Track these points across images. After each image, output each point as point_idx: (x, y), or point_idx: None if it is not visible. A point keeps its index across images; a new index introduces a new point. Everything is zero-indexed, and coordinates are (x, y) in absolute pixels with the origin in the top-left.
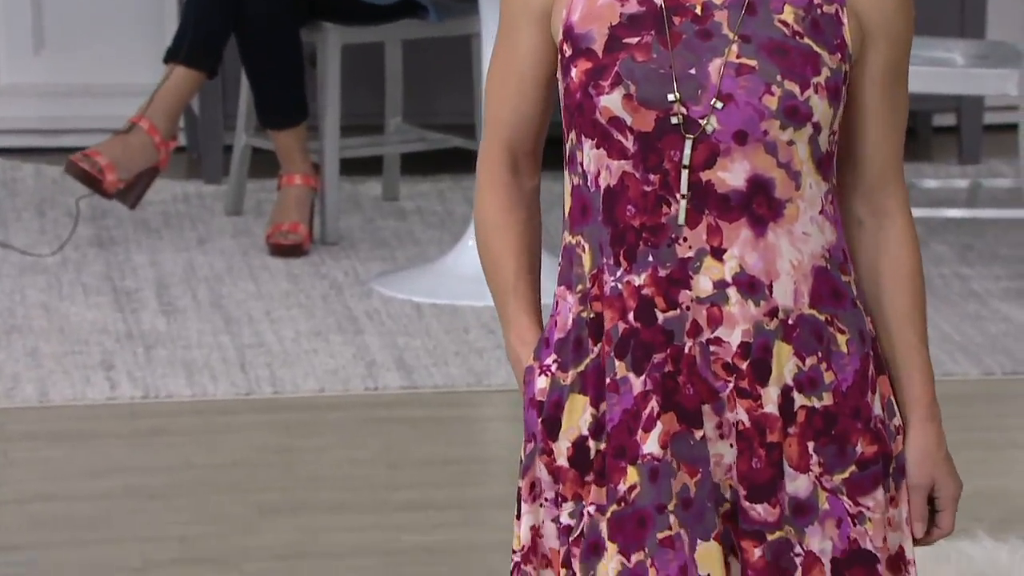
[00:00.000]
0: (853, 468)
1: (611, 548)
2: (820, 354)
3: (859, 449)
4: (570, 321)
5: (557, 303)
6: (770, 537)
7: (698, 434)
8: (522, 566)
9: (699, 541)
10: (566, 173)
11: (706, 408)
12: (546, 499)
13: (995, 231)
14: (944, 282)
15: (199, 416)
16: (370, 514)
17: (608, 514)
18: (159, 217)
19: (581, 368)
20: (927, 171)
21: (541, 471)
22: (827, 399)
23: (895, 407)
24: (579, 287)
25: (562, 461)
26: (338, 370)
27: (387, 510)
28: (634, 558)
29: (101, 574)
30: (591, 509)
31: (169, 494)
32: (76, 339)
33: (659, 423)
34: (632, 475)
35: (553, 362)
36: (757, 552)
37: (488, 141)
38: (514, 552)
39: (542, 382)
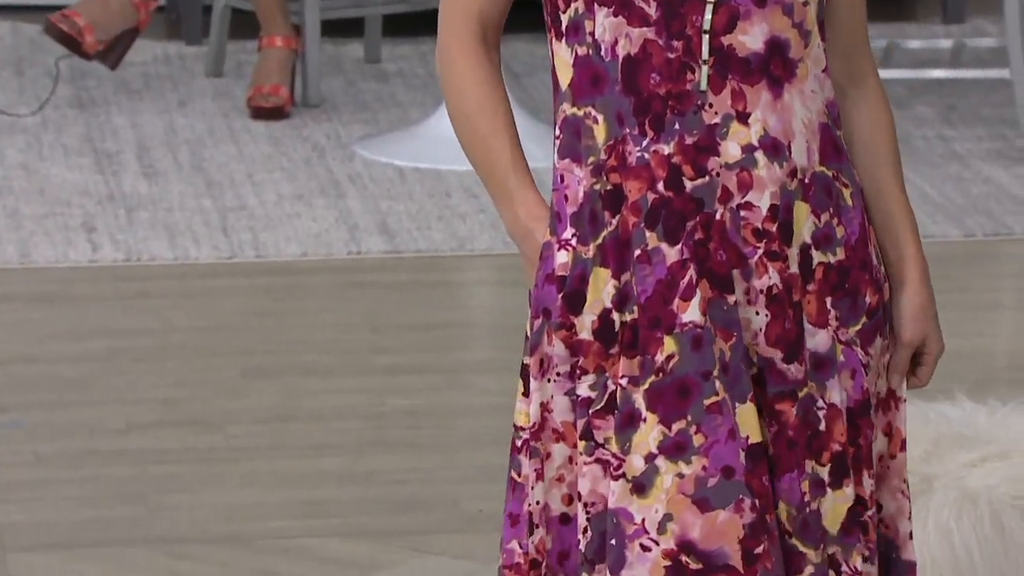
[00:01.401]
0: (864, 319)
1: (651, 419)
2: (832, 210)
3: (867, 300)
4: (581, 194)
5: (563, 177)
6: (800, 394)
7: (731, 299)
8: (531, 443)
9: (737, 404)
10: (561, 44)
11: (735, 274)
12: (558, 374)
13: (978, 92)
14: (927, 143)
15: (182, 279)
16: (353, 378)
17: (646, 385)
18: (139, 78)
19: (599, 241)
20: (911, 31)
21: (555, 346)
22: (840, 254)
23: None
24: (591, 159)
25: (585, 335)
26: (321, 234)
27: (370, 374)
28: (675, 427)
29: (85, 435)
30: (623, 382)
31: (152, 357)
32: (57, 200)
33: (698, 291)
34: (669, 345)
35: (572, 236)
36: (793, 412)
37: (455, 13)
38: (521, 429)
39: (563, 257)
